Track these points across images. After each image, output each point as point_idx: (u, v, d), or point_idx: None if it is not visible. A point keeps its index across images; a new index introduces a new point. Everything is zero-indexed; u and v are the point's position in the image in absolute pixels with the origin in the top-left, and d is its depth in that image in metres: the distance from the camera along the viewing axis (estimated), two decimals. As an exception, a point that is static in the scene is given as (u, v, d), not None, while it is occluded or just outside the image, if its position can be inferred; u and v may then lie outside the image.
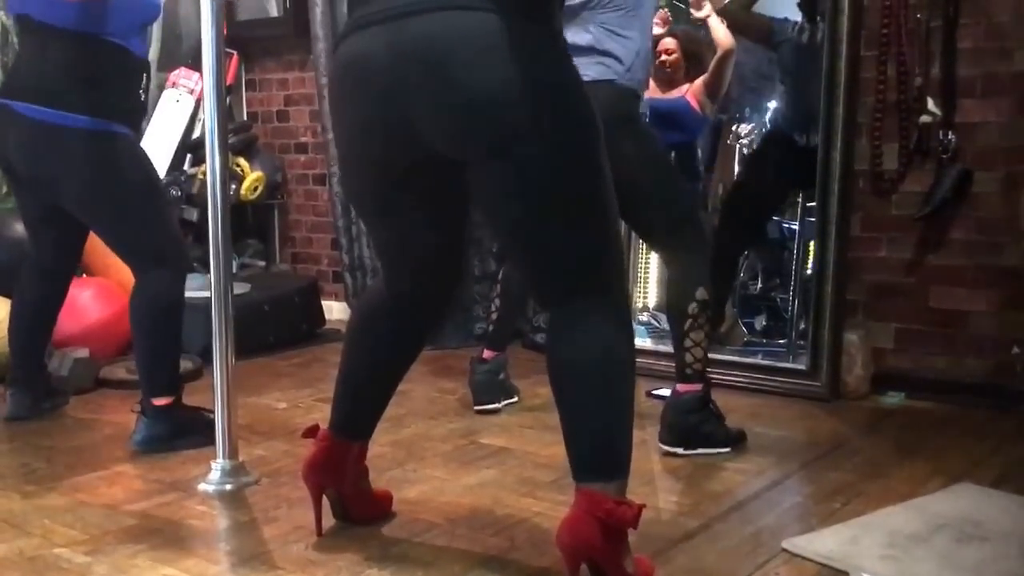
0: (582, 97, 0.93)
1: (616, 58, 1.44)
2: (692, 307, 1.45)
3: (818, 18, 1.96)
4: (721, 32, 2.00)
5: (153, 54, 2.38)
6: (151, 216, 1.53)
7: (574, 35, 1.46)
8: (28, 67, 1.52)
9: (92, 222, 1.58)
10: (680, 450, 1.48)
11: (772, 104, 2.24)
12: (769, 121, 2.25)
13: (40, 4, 1.47)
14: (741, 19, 2.03)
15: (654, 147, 1.50)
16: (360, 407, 1.15)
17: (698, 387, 1.49)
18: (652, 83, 2.05)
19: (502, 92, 0.87)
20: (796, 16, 2.06)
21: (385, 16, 0.91)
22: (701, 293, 1.45)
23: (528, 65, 0.88)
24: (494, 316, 1.82)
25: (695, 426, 1.48)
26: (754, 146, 2.28)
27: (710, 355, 1.53)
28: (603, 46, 1.44)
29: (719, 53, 2.01)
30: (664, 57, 2.07)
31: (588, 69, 1.43)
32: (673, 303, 1.49)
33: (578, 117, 0.91)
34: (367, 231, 2.34)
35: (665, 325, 2.30)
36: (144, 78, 1.57)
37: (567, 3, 1.46)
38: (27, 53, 1.54)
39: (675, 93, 2.09)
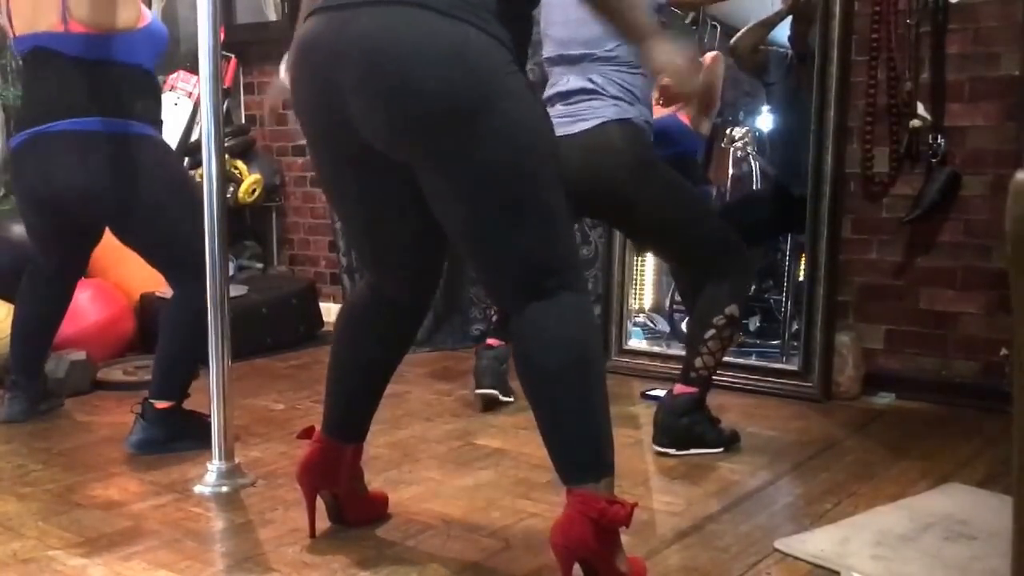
0: (522, 101, 0.90)
1: (626, 101, 1.47)
2: (719, 319, 1.46)
3: (807, 59, 1.93)
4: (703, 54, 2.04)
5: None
6: (192, 222, 1.49)
7: (576, 81, 1.48)
8: (48, 93, 1.51)
9: (135, 232, 1.54)
10: (673, 451, 1.50)
11: (765, 109, 2.26)
12: (763, 170, 2.26)
13: (49, 37, 1.49)
14: (746, 60, 2.05)
15: (679, 185, 1.51)
16: (350, 408, 1.15)
17: (695, 389, 1.51)
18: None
19: (438, 99, 0.86)
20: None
21: (340, 4, 0.90)
22: (732, 309, 1.46)
23: (466, 70, 0.86)
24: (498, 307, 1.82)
25: (687, 428, 1.49)
26: (753, 186, 2.28)
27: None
28: (609, 91, 1.47)
29: (705, 66, 2.03)
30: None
31: (604, 110, 1.45)
32: (702, 310, 1.50)
33: (518, 122, 0.89)
34: (338, 220, 2.33)
35: (660, 327, 2.32)
36: (161, 101, 1.59)
37: (565, 52, 1.49)
38: (44, 82, 1.53)
39: (670, 110, 2.11)
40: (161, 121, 1.60)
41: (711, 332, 1.46)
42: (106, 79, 1.49)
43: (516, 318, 0.95)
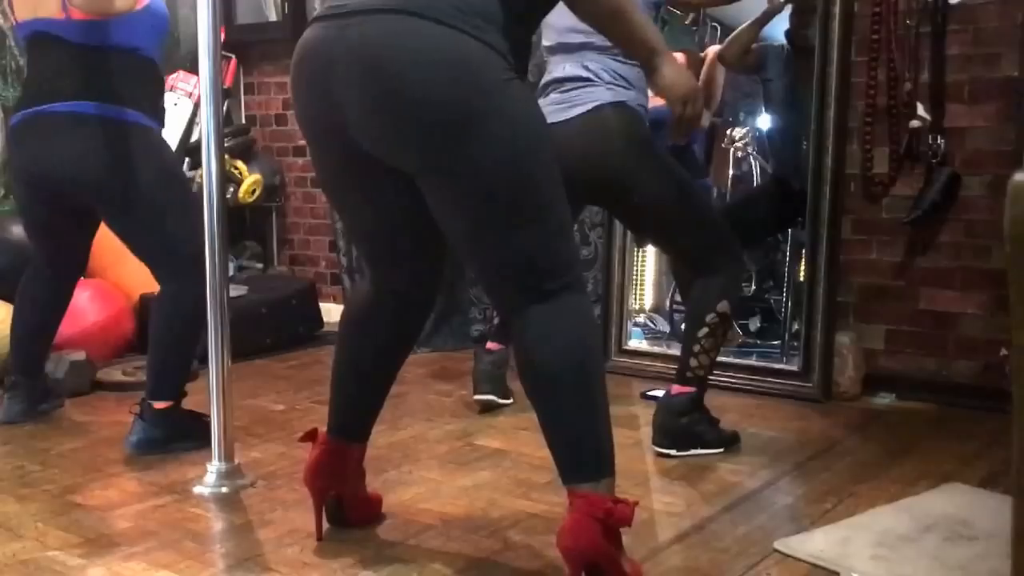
0: (519, 106, 0.91)
1: (621, 86, 1.48)
2: (710, 317, 1.46)
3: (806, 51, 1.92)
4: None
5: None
6: (181, 218, 1.50)
7: (571, 69, 1.49)
8: (48, 75, 1.52)
9: (123, 220, 1.54)
10: (673, 451, 1.50)
11: (763, 104, 2.26)
12: (762, 166, 2.26)
13: (49, 23, 1.50)
14: (736, 67, 2.05)
15: (675, 172, 1.51)
16: (356, 408, 1.16)
17: (692, 389, 1.51)
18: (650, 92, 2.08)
19: (435, 108, 0.87)
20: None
21: (342, 11, 0.91)
22: (723, 306, 1.46)
23: (463, 80, 0.87)
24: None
25: (686, 427, 1.49)
26: (753, 182, 2.28)
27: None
28: (603, 78, 1.47)
29: (707, 61, 2.03)
30: None
31: (599, 94, 1.45)
32: (694, 308, 1.50)
33: (516, 128, 0.90)
34: (339, 220, 2.34)
35: (660, 327, 2.33)
36: (163, 88, 1.59)
37: (565, 41, 1.50)
38: (44, 65, 1.54)
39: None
40: (162, 109, 1.60)
41: (704, 331, 1.46)
42: (105, 65, 1.49)
43: (518, 320, 0.95)
